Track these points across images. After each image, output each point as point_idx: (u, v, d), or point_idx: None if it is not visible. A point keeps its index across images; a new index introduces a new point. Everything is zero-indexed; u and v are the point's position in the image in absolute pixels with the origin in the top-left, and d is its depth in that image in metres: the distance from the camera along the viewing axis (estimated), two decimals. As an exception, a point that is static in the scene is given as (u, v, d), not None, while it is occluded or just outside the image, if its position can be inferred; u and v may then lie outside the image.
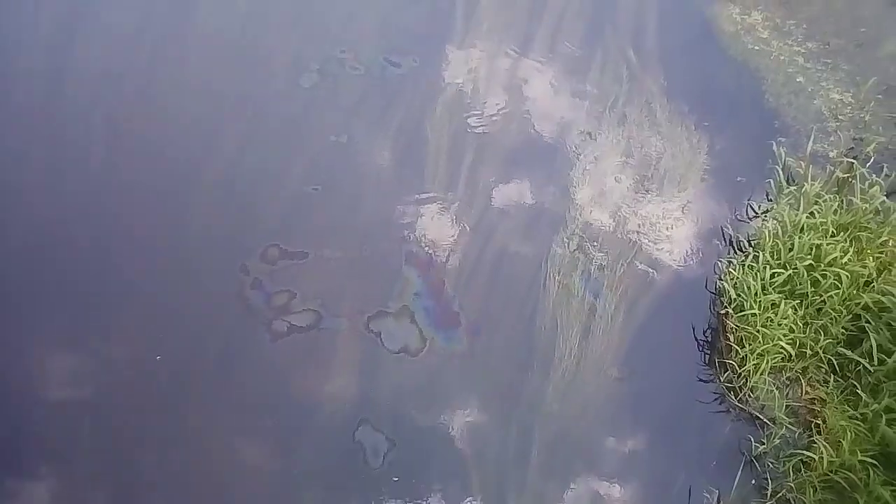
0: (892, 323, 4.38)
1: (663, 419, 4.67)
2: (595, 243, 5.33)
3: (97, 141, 5.63)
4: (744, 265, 4.89)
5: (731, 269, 4.98)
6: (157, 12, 6.44)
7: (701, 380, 4.81)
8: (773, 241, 4.91)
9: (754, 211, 5.44)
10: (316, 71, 6.08)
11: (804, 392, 4.53)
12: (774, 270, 4.71)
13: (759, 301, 4.67)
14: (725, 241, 5.37)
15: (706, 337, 4.99)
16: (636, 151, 5.79)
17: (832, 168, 5.45)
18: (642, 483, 4.50)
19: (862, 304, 4.58)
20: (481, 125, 5.91)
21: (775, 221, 5.05)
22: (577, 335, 4.94)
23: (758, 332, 4.57)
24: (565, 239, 5.34)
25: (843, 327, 4.61)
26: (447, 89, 6.08)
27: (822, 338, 4.56)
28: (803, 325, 4.61)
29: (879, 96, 6.02)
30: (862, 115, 5.91)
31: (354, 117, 5.86)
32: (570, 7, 6.73)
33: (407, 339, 4.87)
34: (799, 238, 4.77)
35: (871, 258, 4.74)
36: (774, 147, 5.61)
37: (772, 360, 4.54)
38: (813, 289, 4.67)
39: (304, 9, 6.61)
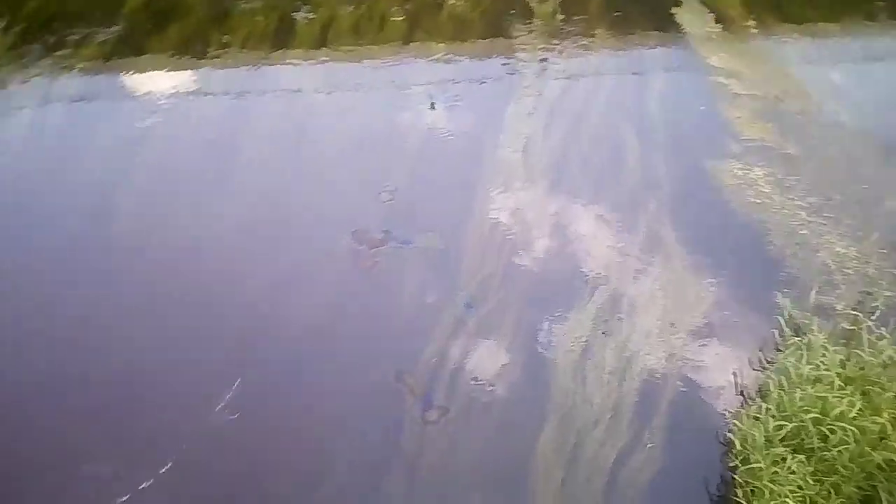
0: (906, 483, 4.24)
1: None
2: (610, 387, 5.35)
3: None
4: (749, 416, 4.85)
5: (737, 421, 4.94)
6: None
7: (711, 536, 4.66)
8: (779, 392, 4.89)
9: (762, 361, 5.45)
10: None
11: (817, 555, 4.33)
12: (779, 423, 4.65)
13: (767, 454, 4.59)
14: (736, 391, 5.35)
15: (718, 491, 4.86)
16: (657, 299, 5.93)
17: (838, 321, 5.49)
18: None
19: (876, 462, 4.47)
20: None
21: (780, 373, 5.04)
22: (587, 485, 4.86)
23: (765, 486, 4.45)
24: (579, 382, 5.38)
25: (857, 486, 4.47)
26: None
27: (833, 496, 4.41)
28: (814, 481, 4.48)
29: (883, 251, 6.14)
30: (867, 270, 6.01)
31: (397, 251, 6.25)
32: (579, 162, 7.18)
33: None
34: (803, 390, 4.75)
35: (883, 413, 4.67)
36: (780, 298, 5.71)
37: (782, 518, 4.39)
38: (821, 443, 4.58)
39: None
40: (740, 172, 6.95)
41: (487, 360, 5.54)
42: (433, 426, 5.15)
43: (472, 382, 5.40)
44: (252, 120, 7.95)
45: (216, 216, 6.74)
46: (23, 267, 6.36)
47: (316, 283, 6.16)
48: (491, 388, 5.37)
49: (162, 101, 8.17)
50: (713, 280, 6.05)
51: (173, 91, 8.33)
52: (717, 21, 9.11)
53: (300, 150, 7.53)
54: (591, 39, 8.95)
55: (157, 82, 8.49)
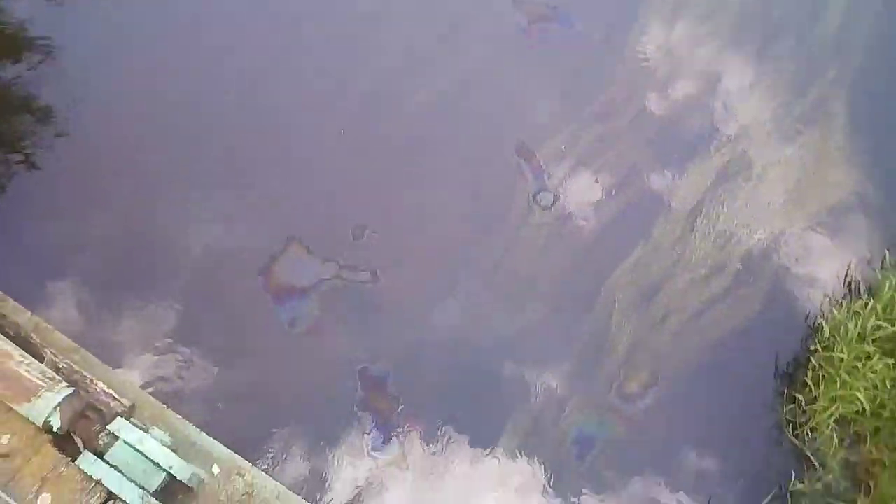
0: None
1: (708, 428, 4.59)
2: (715, 245, 5.22)
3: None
4: (849, 309, 4.64)
5: (835, 309, 4.75)
6: None
7: (765, 404, 4.66)
8: (892, 294, 4.61)
9: (886, 261, 5.10)
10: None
11: (868, 451, 4.30)
12: (880, 323, 4.44)
13: (853, 348, 4.44)
14: (844, 283, 5.10)
15: (787, 368, 4.81)
16: (793, 170, 5.55)
17: None
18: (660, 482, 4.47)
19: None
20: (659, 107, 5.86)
21: (901, 276, 4.73)
22: (659, 325, 4.94)
23: (839, 376, 4.36)
24: (685, 230, 5.28)
25: (935, 405, 4.31)
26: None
27: (907, 405, 4.29)
28: (892, 386, 4.35)
29: None
30: None
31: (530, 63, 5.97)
32: (787, 16, 6.42)
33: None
34: (919, 299, 4.47)
35: None
36: (933, 204, 5.21)
37: (844, 408, 4.34)
38: (917, 354, 4.38)
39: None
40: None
41: (605, 175, 5.45)
42: (539, 210, 5.24)
43: (590, 183, 5.38)
44: None
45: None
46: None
47: (466, 39, 5.96)
48: (604, 198, 5.34)
49: None
50: (866, 166, 5.54)
51: None
52: None
53: None
54: None
55: None
